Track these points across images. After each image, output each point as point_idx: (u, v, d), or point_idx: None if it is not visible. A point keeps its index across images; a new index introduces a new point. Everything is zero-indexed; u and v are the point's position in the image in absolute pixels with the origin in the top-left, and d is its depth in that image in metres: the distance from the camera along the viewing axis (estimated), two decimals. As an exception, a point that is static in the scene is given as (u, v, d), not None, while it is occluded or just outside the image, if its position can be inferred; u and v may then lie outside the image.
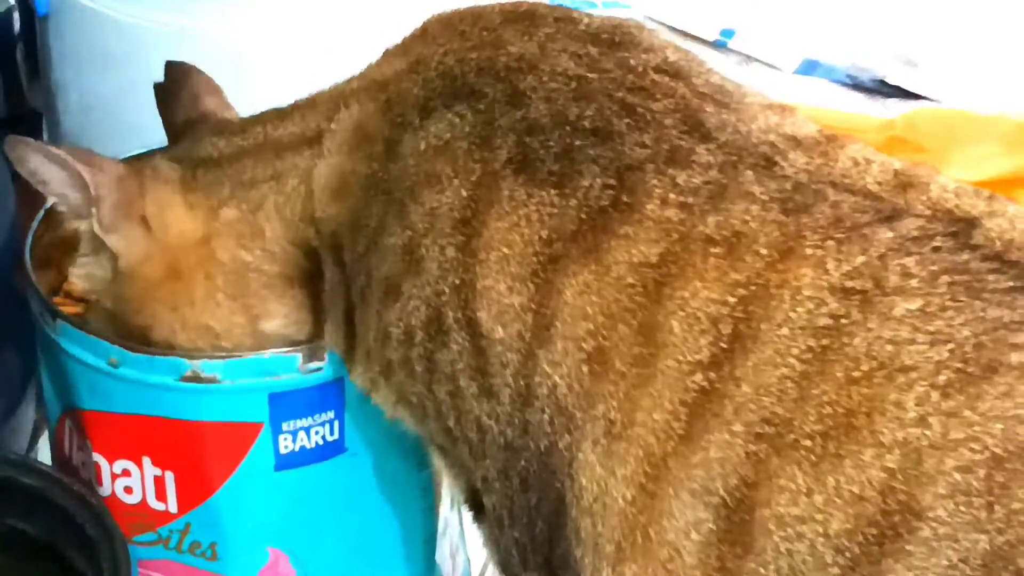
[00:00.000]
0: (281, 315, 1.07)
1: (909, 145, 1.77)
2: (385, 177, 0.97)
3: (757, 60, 2.05)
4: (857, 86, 2.02)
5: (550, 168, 0.92)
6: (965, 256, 0.85)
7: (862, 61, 2.04)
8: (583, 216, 0.90)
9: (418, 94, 0.98)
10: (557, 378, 0.90)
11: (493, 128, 0.94)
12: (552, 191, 0.91)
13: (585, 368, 0.89)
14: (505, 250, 0.91)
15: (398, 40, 1.05)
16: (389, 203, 0.96)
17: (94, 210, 1.05)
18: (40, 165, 1.05)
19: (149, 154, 1.12)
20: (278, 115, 1.07)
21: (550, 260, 0.90)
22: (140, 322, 1.08)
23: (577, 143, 0.92)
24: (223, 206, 1.05)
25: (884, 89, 2.01)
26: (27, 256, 1.16)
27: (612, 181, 0.90)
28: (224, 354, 1.09)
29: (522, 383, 0.91)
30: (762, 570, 0.84)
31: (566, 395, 0.89)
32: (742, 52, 2.06)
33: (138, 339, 1.09)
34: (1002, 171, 1.74)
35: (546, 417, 0.90)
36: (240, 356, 1.09)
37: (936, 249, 0.85)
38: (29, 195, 1.23)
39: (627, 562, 0.88)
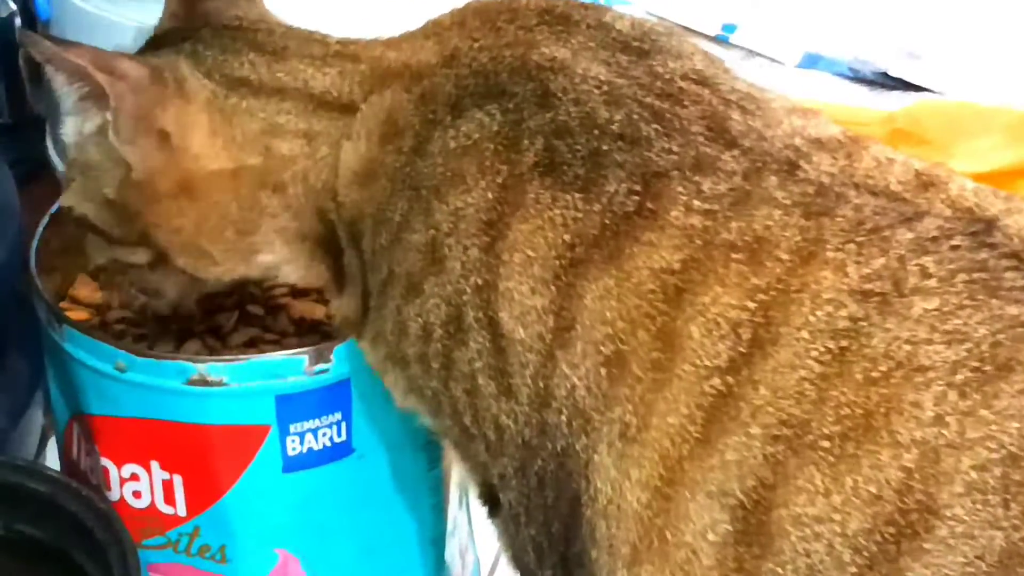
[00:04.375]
0: (282, 256, 1.06)
1: (912, 138, 1.77)
2: (412, 173, 0.97)
3: (759, 55, 2.05)
4: (859, 79, 2.02)
5: (576, 172, 0.92)
6: (983, 254, 0.85)
7: (864, 54, 2.04)
8: (607, 221, 0.90)
9: (451, 91, 0.97)
10: (576, 380, 0.90)
11: (521, 129, 0.94)
12: (577, 195, 0.91)
13: (603, 371, 0.89)
14: (529, 253, 0.91)
15: (435, 18, 1.04)
16: (415, 199, 0.96)
17: (110, 118, 1.01)
18: (57, 66, 1.01)
19: (173, 40, 1.06)
20: (321, 56, 1.04)
21: (572, 264, 0.90)
22: (138, 226, 1.05)
23: (604, 147, 0.92)
24: (250, 147, 1.02)
25: (886, 82, 2.01)
26: (33, 261, 1.16)
27: (638, 187, 0.90)
28: (230, 357, 1.10)
29: (541, 384, 0.91)
30: (780, 570, 0.84)
31: (584, 397, 0.90)
32: (744, 47, 2.06)
33: (126, 233, 1.06)
34: (1005, 163, 1.74)
35: (563, 418, 0.91)
36: (247, 359, 1.09)
37: (955, 248, 0.85)
38: (35, 200, 1.23)
39: (643, 563, 0.88)
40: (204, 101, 1.02)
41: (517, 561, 1.00)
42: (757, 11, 2.12)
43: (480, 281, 0.93)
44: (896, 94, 1.99)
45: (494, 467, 0.97)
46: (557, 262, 0.91)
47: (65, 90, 1.02)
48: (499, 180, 0.93)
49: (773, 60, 2.05)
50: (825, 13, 2.11)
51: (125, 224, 1.06)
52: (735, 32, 2.09)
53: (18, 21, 1.63)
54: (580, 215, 0.91)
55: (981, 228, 0.86)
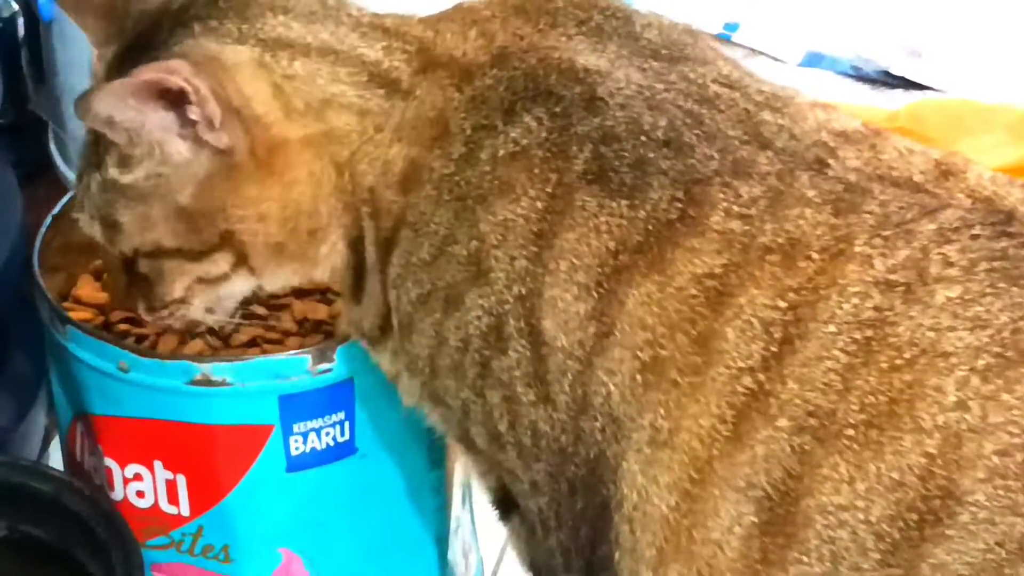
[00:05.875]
0: (338, 256, 1.03)
1: (914, 136, 1.74)
2: (460, 182, 0.96)
3: (762, 53, 2.05)
4: (862, 77, 2.02)
5: (623, 179, 0.92)
6: (1003, 243, 0.86)
7: (866, 52, 2.04)
8: (650, 228, 0.91)
9: (503, 95, 0.97)
10: (612, 386, 0.91)
11: (570, 135, 0.94)
12: (623, 202, 0.92)
13: (639, 377, 0.90)
14: (574, 260, 0.92)
15: (468, 3, 1.03)
16: (462, 210, 0.96)
17: (194, 115, 0.97)
18: (132, 96, 0.97)
19: (154, 40, 1.02)
20: (355, 24, 1.01)
21: (615, 271, 0.91)
22: (221, 224, 1.01)
23: (650, 154, 0.93)
24: (311, 115, 0.99)
25: (889, 80, 2.01)
26: (36, 262, 1.16)
27: (680, 195, 0.91)
28: (233, 357, 1.10)
29: (579, 391, 0.92)
30: (804, 558, 0.85)
31: (619, 404, 0.91)
32: (746, 46, 2.06)
33: (207, 238, 1.01)
34: (1008, 161, 1.74)
35: (598, 425, 0.92)
36: (250, 359, 1.09)
37: (975, 237, 0.87)
38: (37, 201, 1.23)
39: (670, 564, 0.89)
40: (251, 65, 0.99)
41: (540, 567, 1.01)
42: (759, 10, 2.12)
43: (524, 290, 0.93)
44: (898, 92, 1.99)
45: (525, 474, 0.98)
46: (600, 269, 0.91)
47: (139, 120, 0.98)
48: (548, 189, 0.93)
49: (775, 59, 2.05)
50: (827, 11, 2.11)
51: (205, 228, 1.01)
52: (737, 31, 2.08)
53: (20, 22, 1.63)
54: (625, 222, 0.91)
55: (1001, 218, 0.88)
